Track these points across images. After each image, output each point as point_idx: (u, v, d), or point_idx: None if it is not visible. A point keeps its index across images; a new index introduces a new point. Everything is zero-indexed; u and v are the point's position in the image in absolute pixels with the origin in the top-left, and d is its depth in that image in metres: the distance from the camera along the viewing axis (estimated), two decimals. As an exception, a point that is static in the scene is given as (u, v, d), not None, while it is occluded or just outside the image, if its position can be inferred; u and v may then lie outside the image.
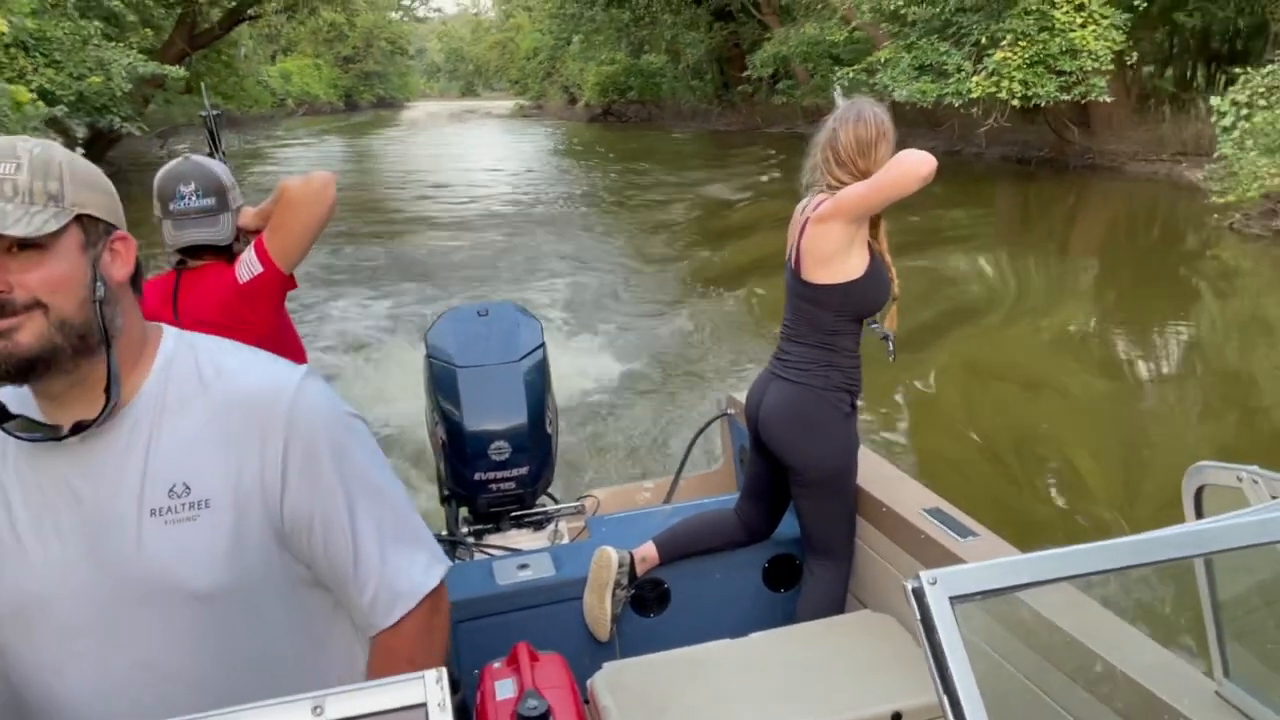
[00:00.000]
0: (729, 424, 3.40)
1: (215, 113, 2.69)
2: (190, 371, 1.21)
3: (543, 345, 3.17)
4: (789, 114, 26.41)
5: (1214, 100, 11.11)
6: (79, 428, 1.13)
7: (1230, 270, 9.86)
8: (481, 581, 2.61)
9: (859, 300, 2.48)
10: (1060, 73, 13.80)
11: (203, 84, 3.70)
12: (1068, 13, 13.49)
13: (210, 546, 1.16)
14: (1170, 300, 8.79)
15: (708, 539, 2.74)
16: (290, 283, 2.33)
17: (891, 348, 2.67)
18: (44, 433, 1.14)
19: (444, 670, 0.86)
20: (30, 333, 1.08)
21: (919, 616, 0.88)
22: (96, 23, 15.18)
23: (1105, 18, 13.77)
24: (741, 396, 3.03)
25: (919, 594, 0.88)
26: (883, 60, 16.05)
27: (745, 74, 27.50)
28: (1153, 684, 1.53)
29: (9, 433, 1.14)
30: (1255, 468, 1.25)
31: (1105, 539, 1.03)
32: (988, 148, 17.31)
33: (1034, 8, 13.61)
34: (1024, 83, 13.88)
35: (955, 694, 0.85)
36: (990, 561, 0.94)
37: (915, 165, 2.30)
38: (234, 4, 27.48)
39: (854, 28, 18.28)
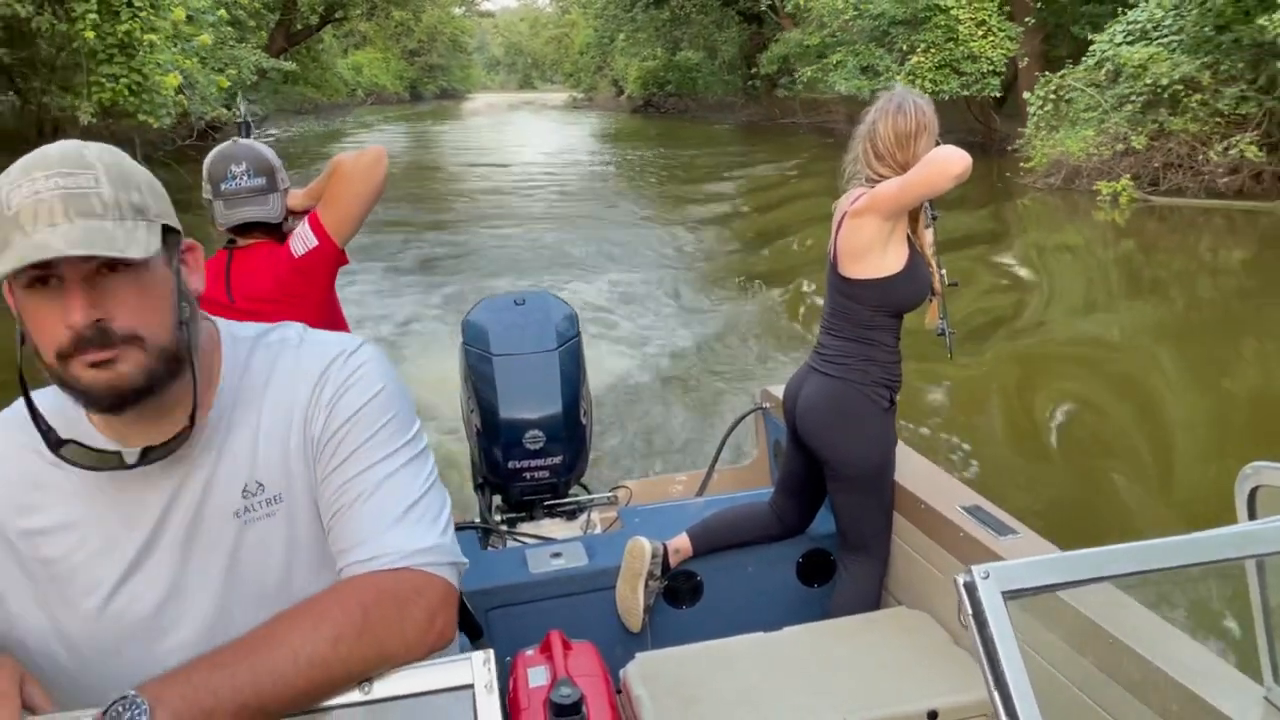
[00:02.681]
0: (764, 418, 3.38)
1: (252, 117, 2.78)
2: (256, 371, 1.18)
3: (578, 335, 3.17)
4: (795, 108, 29.88)
5: (1025, 95, 15.23)
6: (149, 452, 1.08)
7: (1024, 214, 13.44)
8: (514, 569, 2.62)
9: (896, 295, 2.45)
10: (962, 73, 17.70)
11: (238, 93, 3.79)
12: (969, 27, 17.61)
13: (291, 542, 1.14)
14: (985, 235, 11.54)
15: (742, 532, 2.73)
16: (343, 258, 2.38)
17: (950, 344, 2.64)
18: (110, 462, 1.08)
19: (490, 652, 0.87)
20: (132, 363, 1.02)
21: (970, 611, 0.87)
22: (227, 27, 18.04)
23: (1002, 30, 17.73)
24: (777, 391, 3.02)
25: (970, 588, 0.87)
26: (835, 62, 20.39)
27: (753, 71, 31.00)
28: (1199, 688, 1.51)
29: (73, 463, 1.07)
30: None
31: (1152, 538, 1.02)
32: (945, 134, 19.30)
33: (943, 23, 17.64)
34: (934, 81, 17.69)
35: (1007, 688, 0.83)
36: (1043, 557, 0.93)
37: (947, 164, 2.25)
38: (323, 9, 32.64)
39: (826, 34, 21.77)
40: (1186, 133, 12.08)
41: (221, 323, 1.22)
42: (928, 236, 2.58)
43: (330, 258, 2.33)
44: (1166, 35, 12.34)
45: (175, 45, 13.18)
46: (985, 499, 2.42)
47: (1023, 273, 9.83)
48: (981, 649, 0.85)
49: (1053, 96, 14.18)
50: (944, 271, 2.61)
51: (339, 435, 1.13)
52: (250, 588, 1.13)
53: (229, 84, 14.80)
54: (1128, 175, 12.43)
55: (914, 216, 2.51)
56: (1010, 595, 0.88)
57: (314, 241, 2.30)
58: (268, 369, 1.18)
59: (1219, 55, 11.71)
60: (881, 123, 2.45)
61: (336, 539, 1.12)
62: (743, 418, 3.47)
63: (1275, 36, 10.26)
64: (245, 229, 2.39)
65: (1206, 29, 11.57)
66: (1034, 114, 14.44)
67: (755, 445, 3.55)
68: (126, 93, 12.08)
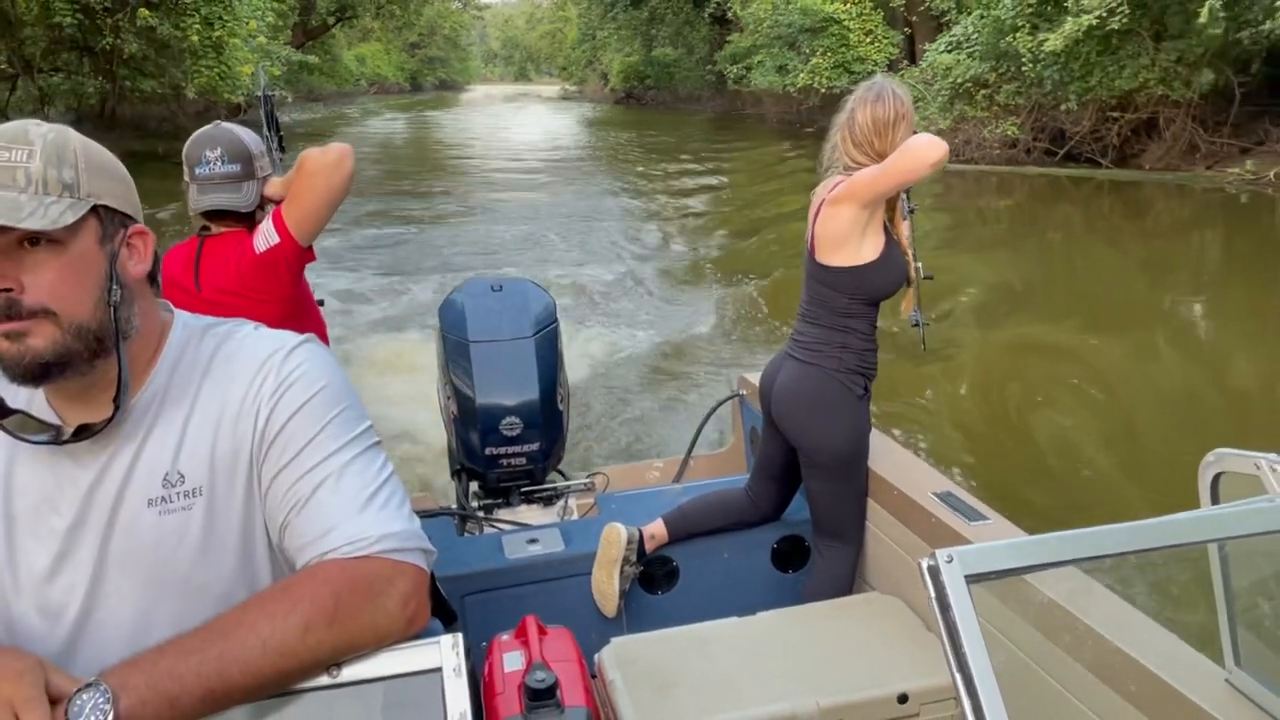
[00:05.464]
0: (740, 404, 3.39)
1: (271, 94, 2.74)
2: (194, 361, 1.17)
3: (556, 322, 3.17)
4: (746, 101, 33.27)
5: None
6: (82, 431, 1.08)
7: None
8: (491, 555, 2.62)
9: (872, 284, 2.46)
10: (852, 72, 21.28)
11: (260, 69, 3.75)
12: (858, 35, 22.25)
13: (207, 537, 1.11)
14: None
15: (717, 518, 2.74)
16: (308, 255, 2.31)
17: (923, 335, 2.65)
18: (46, 434, 1.09)
19: (459, 636, 0.87)
20: (42, 337, 1.03)
21: (934, 595, 0.88)
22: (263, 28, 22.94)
23: (886, 38, 22.29)
24: (753, 378, 3.03)
25: (934, 572, 0.88)
26: (757, 61, 25.12)
27: (709, 67, 34.99)
28: (1162, 670, 1.53)
29: (9, 433, 1.08)
30: (1275, 455, 1.24)
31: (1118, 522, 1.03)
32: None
33: (836, 32, 22.24)
34: (829, 78, 22.03)
35: (969, 673, 0.84)
36: (1006, 541, 0.94)
37: (924, 151, 2.24)
38: (336, 8, 39.19)
39: (757, 38, 25.54)
40: (975, 118, 16.50)
41: (180, 313, 1.22)
42: (905, 228, 2.59)
43: (291, 255, 2.26)
44: (972, 46, 16.33)
45: (245, 45, 19.09)
46: (956, 485, 2.45)
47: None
48: (944, 632, 0.86)
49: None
50: (919, 264, 2.62)
51: (285, 432, 1.12)
52: (166, 577, 1.11)
53: (279, 72, 20.80)
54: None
55: (891, 205, 2.52)
56: (974, 579, 0.89)
57: (276, 239, 2.24)
58: (208, 356, 1.17)
59: (1001, 61, 15.64)
60: (860, 111, 2.45)
61: (298, 533, 1.09)
62: (720, 404, 3.49)
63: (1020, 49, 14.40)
64: (217, 216, 2.33)
65: (1001, 42, 15.05)
66: None
67: (732, 432, 3.56)
68: (217, 79, 18.13)
